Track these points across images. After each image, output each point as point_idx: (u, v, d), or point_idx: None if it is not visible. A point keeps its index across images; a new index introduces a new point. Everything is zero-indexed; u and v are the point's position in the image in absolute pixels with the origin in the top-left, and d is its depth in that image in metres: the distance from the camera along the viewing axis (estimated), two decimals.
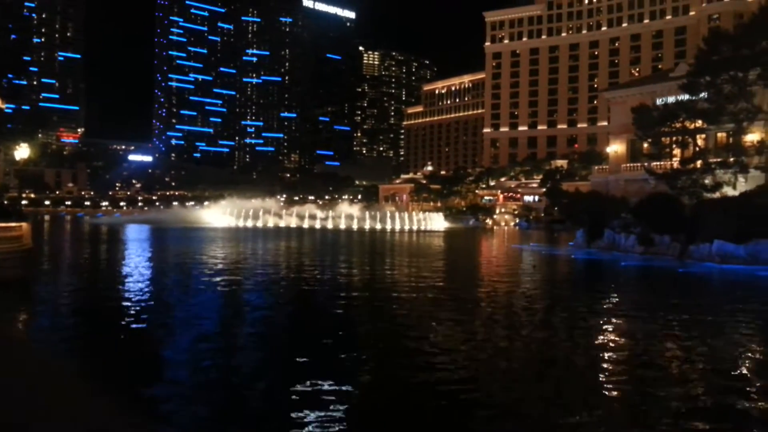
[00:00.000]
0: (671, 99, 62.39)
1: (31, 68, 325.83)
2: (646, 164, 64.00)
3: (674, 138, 62.36)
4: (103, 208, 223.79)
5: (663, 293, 31.48)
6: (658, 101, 65.03)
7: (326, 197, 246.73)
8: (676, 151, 63.66)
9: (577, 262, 50.06)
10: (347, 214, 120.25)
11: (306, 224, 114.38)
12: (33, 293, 28.43)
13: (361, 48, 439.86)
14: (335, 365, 15.69)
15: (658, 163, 62.81)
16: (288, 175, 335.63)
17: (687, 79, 57.52)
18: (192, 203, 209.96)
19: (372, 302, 26.74)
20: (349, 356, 16.78)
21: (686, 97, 57.83)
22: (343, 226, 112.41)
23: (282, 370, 15.54)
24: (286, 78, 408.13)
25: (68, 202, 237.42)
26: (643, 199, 56.92)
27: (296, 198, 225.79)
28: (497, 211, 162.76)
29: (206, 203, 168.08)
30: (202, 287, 30.19)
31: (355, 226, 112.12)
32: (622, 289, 33.68)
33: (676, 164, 59.67)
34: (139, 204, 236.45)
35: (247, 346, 18.25)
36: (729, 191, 53.84)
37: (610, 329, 21.50)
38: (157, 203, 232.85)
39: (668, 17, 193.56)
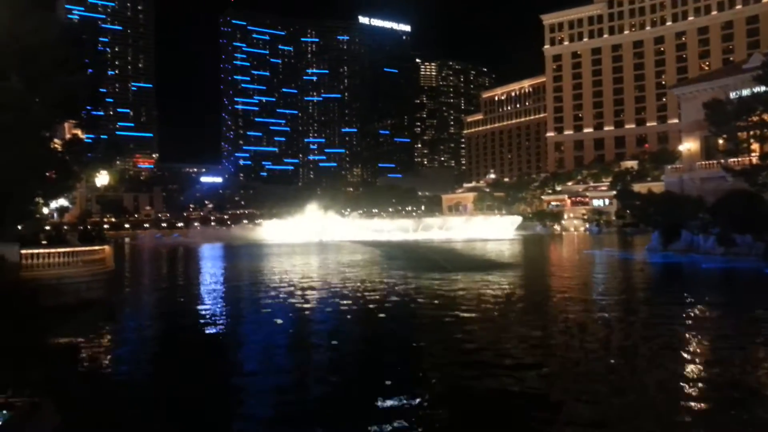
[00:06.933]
0: (746, 92, 59.30)
1: (107, 99, 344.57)
2: (722, 161, 61.00)
3: (752, 132, 59.04)
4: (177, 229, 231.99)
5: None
6: (732, 95, 61.92)
7: (390, 209, 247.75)
8: (755, 146, 60.27)
9: (658, 267, 48.15)
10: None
11: (384, 237, 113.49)
12: (117, 314, 29.88)
13: (418, 60, 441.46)
14: None
15: (735, 159, 59.73)
16: (351, 189, 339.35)
17: (762, 70, 54.62)
18: (260, 221, 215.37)
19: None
20: None
21: (763, 88, 54.87)
22: (423, 236, 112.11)
23: None
24: (346, 94, 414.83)
25: (146, 225, 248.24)
26: (720, 198, 54.29)
27: (360, 211, 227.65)
28: (565, 216, 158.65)
29: (273, 220, 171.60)
30: (263, 305, 30.86)
31: (418, 237, 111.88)
32: (726, 298, 31.50)
33: (755, 160, 56.55)
34: (211, 223, 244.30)
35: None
36: None
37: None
38: (228, 222, 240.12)
39: (738, 7, 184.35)
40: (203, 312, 28.42)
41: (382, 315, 26.68)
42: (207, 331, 23.54)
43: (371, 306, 28.93)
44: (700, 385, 15.16)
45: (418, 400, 14.03)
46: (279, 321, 25.25)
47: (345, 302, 30.05)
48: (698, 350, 19.00)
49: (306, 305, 29.66)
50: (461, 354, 18.72)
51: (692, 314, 25.32)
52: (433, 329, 23.10)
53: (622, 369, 16.83)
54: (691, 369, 16.48)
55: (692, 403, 13.64)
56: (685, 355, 17.96)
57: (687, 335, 20.98)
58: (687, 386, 14.80)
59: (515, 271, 45.73)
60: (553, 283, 38.62)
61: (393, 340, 21.70)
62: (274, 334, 23.02)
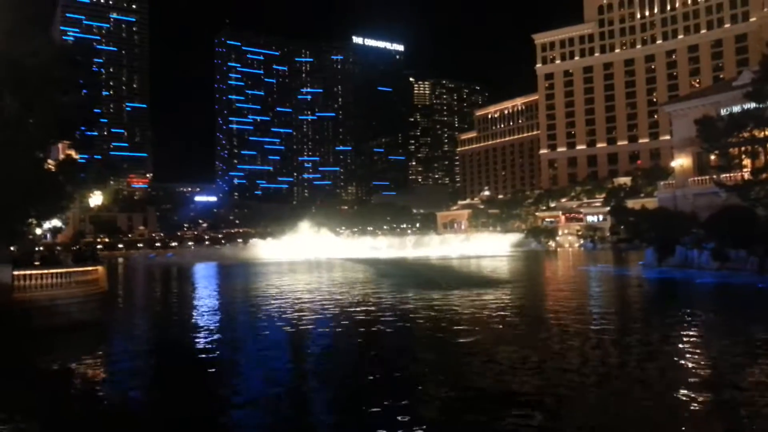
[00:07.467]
0: (736, 108, 59.77)
1: (102, 119, 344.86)
2: (714, 177, 61.31)
3: (743, 148, 59.59)
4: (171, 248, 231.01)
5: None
6: (723, 111, 62.42)
7: (385, 227, 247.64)
8: (747, 162, 60.70)
9: (654, 283, 48.15)
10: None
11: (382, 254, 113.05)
12: (108, 336, 29.56)
13: (411, 79, 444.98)
14: None
15: (727, 174, 60.10)
16: (346, 207, 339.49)
17: (752, 86, 55.23)
18: (252, 239, 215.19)
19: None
20: None
21: (753, 105, 55.42)
22: (413, 255, 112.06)
23: None
24: (340, 113, 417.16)
25: (140, 245, 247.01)
26: (714, 213, 54.51)
27: (355, 229, 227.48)
28: (560, 232, 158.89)
29: (268, 239, 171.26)
30: (260, 322, 30.63)
31: (413, 255, 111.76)
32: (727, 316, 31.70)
33: (747, 175, 56.91)
34: (205, 242, 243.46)
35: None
36: None
37: None
38: (223, 241, 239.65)
39: (727, 25, 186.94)
40: (194, 334, 28.17)
41: (373, 336, 26.53)
42: (199, 355, 23.32)
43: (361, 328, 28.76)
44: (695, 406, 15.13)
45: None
46: (276, 339, 25.09)
47: (342, 322, 29.90)
48: (702, 368, 18.95)
49: (297, 326, 29.47)
50: (460, 377, 18.61)
51: (692, 332, 25.33)
52: (432, 347, 22.98)
53: (622, 388, 16.77)
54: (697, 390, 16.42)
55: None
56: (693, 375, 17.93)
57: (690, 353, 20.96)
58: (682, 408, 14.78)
59: (515, 288, 45.54)
60: (555, 302, 38.52)
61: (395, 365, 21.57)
62: (272, 359, 22.82)
